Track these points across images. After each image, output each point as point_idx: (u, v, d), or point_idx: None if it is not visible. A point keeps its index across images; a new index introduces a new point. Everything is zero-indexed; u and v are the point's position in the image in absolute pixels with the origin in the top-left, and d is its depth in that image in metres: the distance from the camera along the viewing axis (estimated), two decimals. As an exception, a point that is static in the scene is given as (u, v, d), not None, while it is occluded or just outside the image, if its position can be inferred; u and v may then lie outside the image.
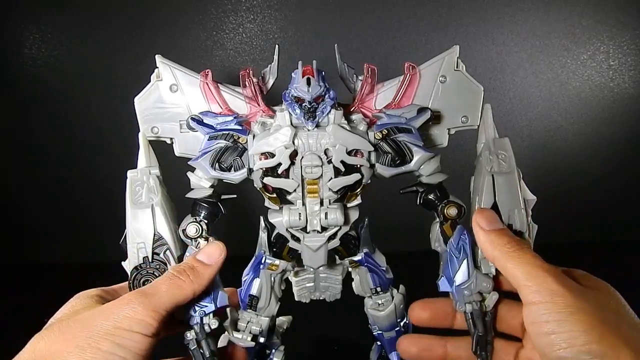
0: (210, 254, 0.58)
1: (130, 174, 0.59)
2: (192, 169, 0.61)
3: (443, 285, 0.61)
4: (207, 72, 0.59)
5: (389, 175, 0.59)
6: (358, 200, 0.59)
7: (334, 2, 1.54)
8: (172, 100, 0.60)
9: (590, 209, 1.71)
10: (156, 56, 0.59)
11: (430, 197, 0.62)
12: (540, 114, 1.67)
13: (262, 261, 0.62)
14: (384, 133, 0.57)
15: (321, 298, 0.68)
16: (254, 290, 0.64)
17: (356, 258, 0.64)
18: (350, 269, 0.66)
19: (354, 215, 0.60)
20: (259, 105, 0.59)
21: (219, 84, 0.60)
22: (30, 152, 1.68)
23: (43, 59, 1.59)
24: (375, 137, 0.57)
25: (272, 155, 0.54)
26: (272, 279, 0.63)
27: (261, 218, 0.62)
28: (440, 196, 0.61)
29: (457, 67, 0.61)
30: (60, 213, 1.72)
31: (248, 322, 0.65)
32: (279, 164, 0.54)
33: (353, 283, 0.68)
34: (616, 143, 1.69)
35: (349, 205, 0.59)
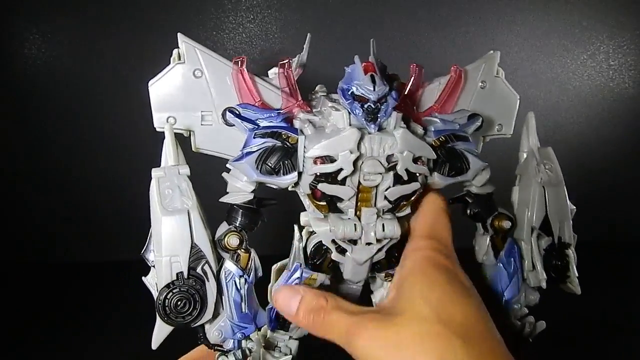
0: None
1: (155, 173, 0.50)
2: (219, 166, 0.53)
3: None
4: (242, 58, 0.51)
5: (444, 185, 0.54)
6: (408, 210, 0.53)
7: (334, 2, 1.55)
8: (194, 87, 0.51)
9: (590, 208, 1.71)
10: (178, 34, 0.52)
11: (479, 208, 0.58)
12: (540, 114, 1.65)
13: (300, 275, 0.53)
14: (441, 140, 0.52)
15: None
16: None
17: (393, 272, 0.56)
18: (382, 281, 0.59)
19: (405, 227, 0.54)
20: (297, 100, 0.52)
21: (254, 75, 0.53)
22: (32, 152, 1.67)
23: (43, 59, 1.58)
24: (434, 144, 0.52)
25: (332, 160, 0.48)
26: None
27: (295, 227, 0.54)
28: (490, 209, 0.58)
29: (497, 74, 0.58)
30: (63, 213, 1.72)
31: (275, 346, 0.58)
32: (340, 170, 0.48)
33: (374, 295, 0.60)
34: (616, 143, 1.69)
35: (398, 215, 0.53)
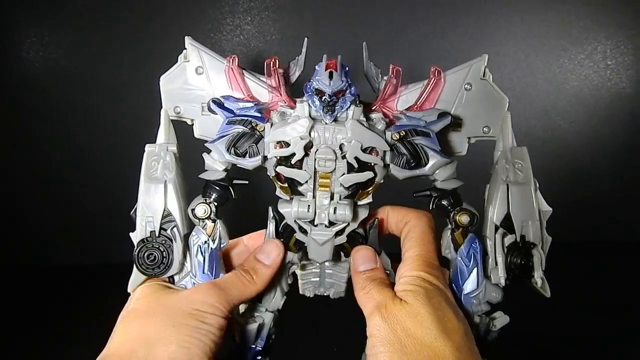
0: (269, 253, 0.60)
1: (148, 148, 0.59)
2: (209, 151, 0.60)
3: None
4: (234, 57, 0.59)
5: (403, 177, 0.58)
6: (369, 199, 0.59)
7: (331, 3, 1.55)
8: (197, 83, 0.60)
9: (588, 208, 1.72)
10: (185, 37, 0.60)
11: (443, 202, 0.60)
12: (538, 113, 1.67)
13: None
14: (401, 134, 0.56)
15: (325, 294, 0.67)
16: None
17: None
18: None
19: (363, 214, 0.59)
20: (281, 95, 0.59)
21: (244, 71, 0.60)
22: (30, 154, 1.68)
23: (41, 62, 1.59)
24: (392, 138, 0.56)
25: (287, 144, 0.55)
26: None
27: (269, 209, 0.61)
28: (454, 203, 0.60)
29: (483, 76, 0.60)
30: (59, 215, 1.72)
31: (251, 317, 0.64)
32: (293, 154, 0.54)
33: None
34: (614, 142, 1.69)
35: (359, 203, 0.59)
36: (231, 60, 0.59)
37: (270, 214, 0.61)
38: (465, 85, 0.59)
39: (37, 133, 1.65)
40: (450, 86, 0.59)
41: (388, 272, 0.62)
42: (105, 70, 1.55)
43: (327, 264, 0.63)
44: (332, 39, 1.52)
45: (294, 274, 0.66)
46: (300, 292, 0.67)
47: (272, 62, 0.59)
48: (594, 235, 1.72)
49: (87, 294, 1.53)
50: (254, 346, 0.63)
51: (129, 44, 1.53)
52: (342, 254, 0.63)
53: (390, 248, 0.66)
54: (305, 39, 0.59)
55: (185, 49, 0.60)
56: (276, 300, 0.63)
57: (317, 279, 0.66)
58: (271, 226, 0.62)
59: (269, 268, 0.59)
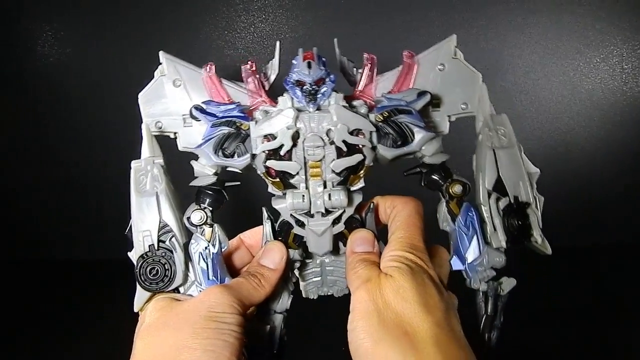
0: (273, 257, 0.59)
1: (134, 164, 0.59)
2: (197, 158, 0.61)
3: (455, 264, 0.60)
4: (210, 65, 0.60)
5: (392, 157, 0.59)
6: (361, 184, 0.59)
7: (345, 2, 1.54)
8: (176, 95, 0.60)
9: (602, 212, 1.70)
10: (160, 52, 0.60)
11: (434, 177, 0.61)
12: (551, 116, 1.66)
13: None
14: (384, 115, 0.57)
15: (329, 293, 0.67)
16: None
17: None
18: None
19: (357, 199, 0.60)
20: (261, 96, 0.59)
21: (222, 79, 0.60)
22: (40, 147, 1.69)
23: (55, 57, 1.60)
24: (376, 119, 0.57)
25: (274, 137, 0.55)
26: None
27: (263, 209, 0.61)
28: (444, 176, 0.61)
29: (455, 55, 0.62)
30: (71, 210, 1.73)
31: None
32: (282, 146, 0.55)
33: None
34: (629, 146, 1.67)
35: (352, 188, 0.59)
36: (208, 68, 0.60)
37: (265, 214, 0.62)
38: (439, 67, 0.62)
39: (49, 126, 1.66)
40: (424, 68, 0.61)
41: None
42: (118, 65, 1.56)
43: (326, 260, 0.64)
44: (345, 36, 1.51)
45: (294, 292, 0.66)
46: (304, 295, 0.67)
47: (250, 66, 0.59)
48: (608, 238, 1.70)
49: (94, 288, 1.55)
50: (267, 350, 0.62)
51: (143, 39, 1.54)
52: (340, 245, 0.63)
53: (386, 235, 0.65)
54: (278, 42, 0.61)
55: (161, 63, 0.60)
56: (283, 301, 0.63)
57: (319, 278, 0.66)
58: (267, 226, 0.62)
59: (275, 272, 0.59)
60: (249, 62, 0.60)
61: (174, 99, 0.60)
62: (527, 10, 1.58)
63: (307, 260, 0.65)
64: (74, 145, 1.67)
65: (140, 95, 0.60)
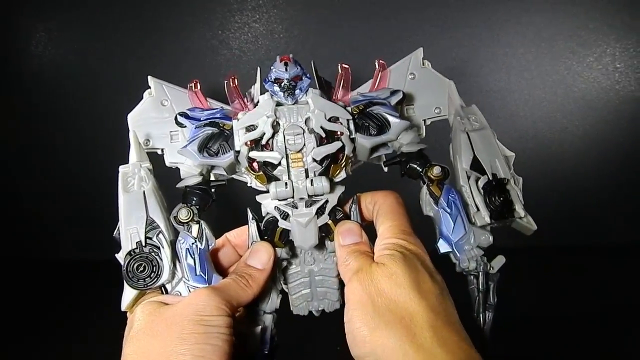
0: (261, 258, 0.60)
1: (122, 169, 0.61)
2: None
3: (442, 246, 0.61)
4: (196, 81, 0.63)
5: (370, 145, 0.60)
6: (343, 174, 0.61)
7: (340, 1, 1.55)
8: (163, 113, 0.64)
9: (595, 210, 1.71)
10: (148, 77, 0.63)
11: (412, 164, 0.63)
12: (545, 115, 1.66)
13: None
14: (360, 108, 0.60)
15: (320, 308, 0.67)
16: None
17: None
18: None
19: (339, 189, 0.62)
20: (246, 107, 0.62)
21: (207, 98, 0.64)
22: (39, 147, 1.69)
23: (49, 57, 1.59)
24: (352, 111, 0.60)
25: (256, 127, 0.57)
26: None
27: (248, 210, 0.63)
28: (423, 162, 0.63)
29: (423, 65, 0.67)
30: (63, 210, 1.73)
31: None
32: (263, 135, 0.57)
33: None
34: (621, 146, 1.68)
35: (335, 180, 0.61)
36: (193, 84, 0.63)
37: (250, 214, 0.63)
38: (410, 75, 0.66)
39: (47, 126, 1.66)
40: (396, 77, 0.66)
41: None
42: (113, 66, 1.56)
43: (315, 269, 0.65)
44: (340, 37, 1.52)
45: (283, 291, 0.66)
46: (294, 312, 0.67)
47: (232, 79, 0.61)
48: (600, 238, 1.71)
49: (94, 288, 1.53)
50: (259, 351, 0.62)
51: (137, 39, 1.54)
52: (326, 243, 0.64)
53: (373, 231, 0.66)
54: (258, 68, 0.64)
55: (150, 87, 0.63)
56: (272, 301, 0.63)
57: (308, 290, 0.66)
58: (253, 227, 0.62)
59: (262, 272, 0.59)
60: (231, 78, 0.61)
61: (161, 116, 0.64)
62: (521, 10, 1.58)
63: (295, 269, 0.66)
64: (74, 145, 1.66)
65: (129, 116, 0.64)
